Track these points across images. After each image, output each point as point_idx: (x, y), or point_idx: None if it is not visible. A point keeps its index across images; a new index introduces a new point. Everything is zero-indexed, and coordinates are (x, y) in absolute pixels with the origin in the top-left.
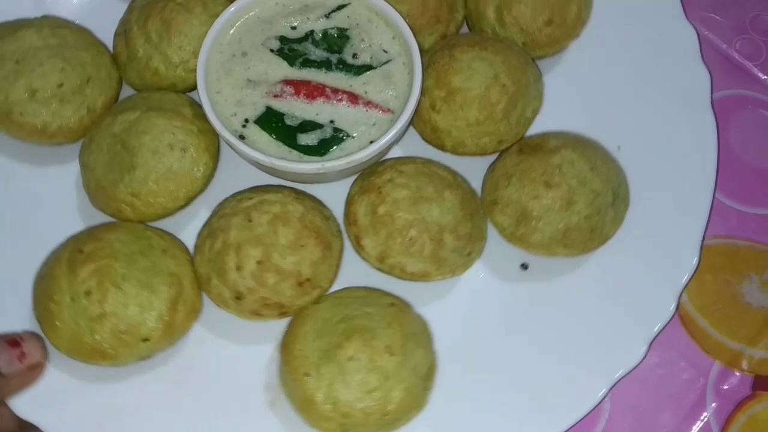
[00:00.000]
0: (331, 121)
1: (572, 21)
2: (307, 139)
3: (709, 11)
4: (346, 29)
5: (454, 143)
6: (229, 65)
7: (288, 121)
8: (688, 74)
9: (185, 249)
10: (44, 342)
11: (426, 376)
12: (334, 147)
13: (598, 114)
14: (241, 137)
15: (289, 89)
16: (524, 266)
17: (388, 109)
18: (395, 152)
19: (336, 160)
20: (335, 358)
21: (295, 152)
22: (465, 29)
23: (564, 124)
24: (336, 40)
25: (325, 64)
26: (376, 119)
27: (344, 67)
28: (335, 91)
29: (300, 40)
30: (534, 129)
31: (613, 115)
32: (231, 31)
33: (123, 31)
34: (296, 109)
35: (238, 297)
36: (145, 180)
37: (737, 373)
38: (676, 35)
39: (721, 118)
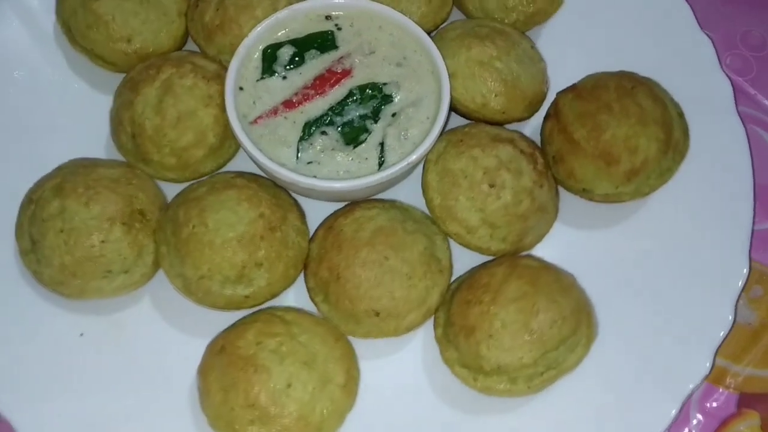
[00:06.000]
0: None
1: None
2: (286, 55)
3: (699, 26)
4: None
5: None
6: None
7: (286, 48)
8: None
9: None
10: None
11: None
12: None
13: None
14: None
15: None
16: None
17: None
18: None
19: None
20: None
21: (261, 53)
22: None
23: None
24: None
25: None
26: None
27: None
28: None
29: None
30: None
31: None
32: None
33: None
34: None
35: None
36: None
37: (723, 390)
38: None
39: None
